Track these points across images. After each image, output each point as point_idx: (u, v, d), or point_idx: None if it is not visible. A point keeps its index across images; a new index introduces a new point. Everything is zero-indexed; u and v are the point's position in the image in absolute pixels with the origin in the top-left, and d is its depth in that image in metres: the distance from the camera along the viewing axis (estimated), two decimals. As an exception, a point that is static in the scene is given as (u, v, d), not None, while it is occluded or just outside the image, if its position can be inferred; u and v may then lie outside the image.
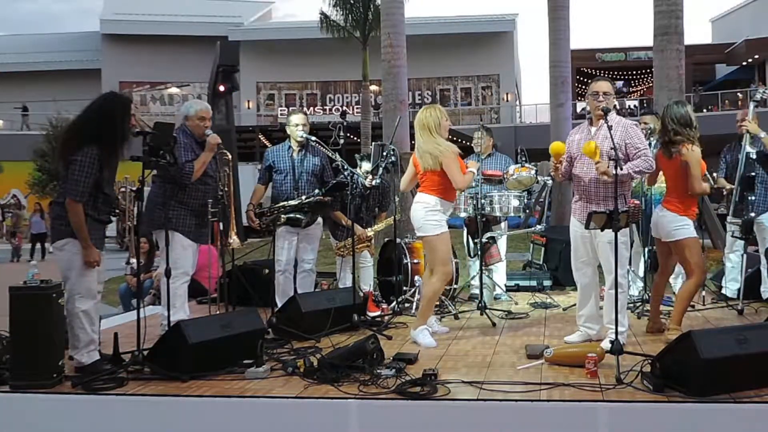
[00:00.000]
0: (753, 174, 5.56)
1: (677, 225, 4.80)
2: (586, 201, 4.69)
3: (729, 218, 5.72)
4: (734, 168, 5.91)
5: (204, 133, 5.04)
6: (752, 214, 5.64)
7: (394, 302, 6.03)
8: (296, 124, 5.82)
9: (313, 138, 6.17)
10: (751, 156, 5.54)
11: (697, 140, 4.81)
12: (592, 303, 4.81)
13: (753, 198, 5.59)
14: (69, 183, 4.14)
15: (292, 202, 5.61)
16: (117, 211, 4.52)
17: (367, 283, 6.48)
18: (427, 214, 4.89)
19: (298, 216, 5.54)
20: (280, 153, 5.88)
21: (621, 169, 4.32)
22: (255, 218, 5.69)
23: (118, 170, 4.40)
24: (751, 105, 5.74)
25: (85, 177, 4.11)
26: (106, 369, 4.12)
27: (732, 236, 5.99)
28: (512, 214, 6.20)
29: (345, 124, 6.37)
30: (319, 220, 5.94)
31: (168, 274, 4.59)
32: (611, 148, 4.31)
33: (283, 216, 5.56)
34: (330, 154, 6.34)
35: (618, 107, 4.80)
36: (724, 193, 5.95)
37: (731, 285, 6.27)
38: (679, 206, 4.83)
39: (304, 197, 5.64)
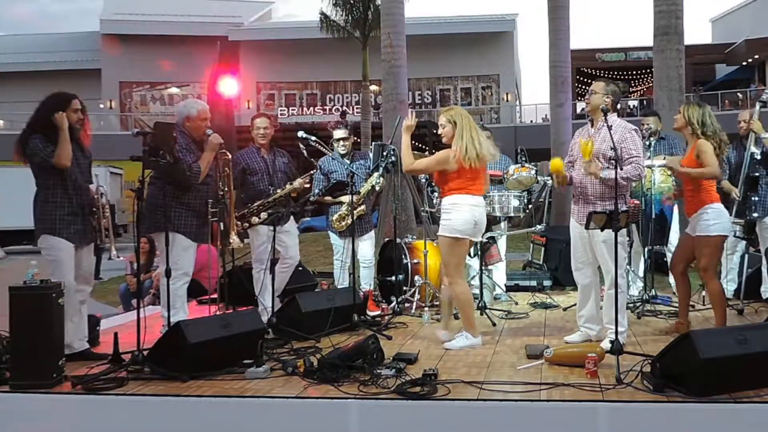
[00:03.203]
0: (757, 174, 5.56)
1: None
2: (584, 202, 4.69)
3: (732, 219, 5.72)
4: (737, 169, 5.91)
5: (204, 132, 5.06)
6: (755, 215, 5.63)
7: (394, 302, 6.03)
8: (258, 128, 5.90)
9: (313, 138, 6.17)
10: (755, 156, 5.54)
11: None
12: (592, 303, 4.81)
13: (756, 198, 5.59)
14: (38, 158, 4.42)
15: (273, 197, 5.68)
16: (95, 209, 4.64)
17: (367, 283, 6.45)
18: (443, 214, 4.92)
19: (279, 210, 5.55)
20: (251, 155, 5.88)
21: (621, 169, 4.33)
22: (236, 221, 5.70)
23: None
24: (757, 105, 5.73)
25: (41, 151, 4.39)
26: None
27: (735, 236, 5.98)
28: (512, 214, 6.20)
29: (345, 124, 6.38)
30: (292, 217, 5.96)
31: (168, 274, 4.60)
32: (611, 148, 4.33)
33: (264, 213, 5.60)
34: (329, 154, 6.34)
35: (617, 108, 4.74)
36: (735, 198, 5.87)
37: (729, 285, 6.27)
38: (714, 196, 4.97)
39: (280, 191, 5.72)
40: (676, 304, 6.01)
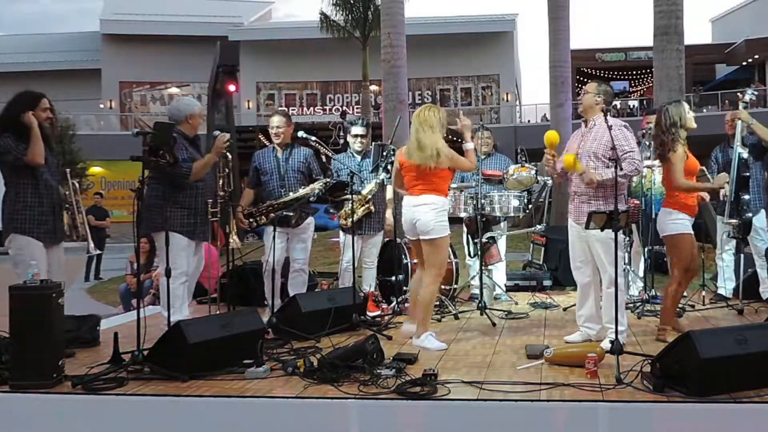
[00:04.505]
0: (747, 174, 5.58)
1: (668, 219, 4.91)
2: (580, 201, 4.73)
3: (724, 219, 5.73)
4: (724, 168, 5.93)
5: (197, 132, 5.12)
6: (749, 214, 5.64)
7: (394, 302, 6.03)
8: (272, 127, 5.87)
9: (313, 138, 6.16)
10: (742, 156, 5.56)
11: (683, 139, 4.87)
12: (591, 302, 4.81)
13: (748, 197, 5.61)
14: (11, 156, 4.44)
15: (283, 199, 5.62)
16: (66, 204, 4.73)
17: (369, 283, 6.43)
18: (438, 215, 4.85)
19: (288, 214, 5.49)
20: (265, 155, 5.89)
21: (621, 169, 4.34)
22: (244, 219, 5.74)
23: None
24: (741, 106, 5.74)
25: (15, 146, 4.43)
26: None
27: (729, 236, 5.98)
28: (512, 214, 6.20)
29: (345, 124, 6.37)
30: (310, 219, 5.91)
31: (168, 274, 4.59)
32: (611, 148, 4.36)
33: (273, 214, 5.57)
34: (330, 154, 6.33)
35: (609, 107, 4.77)
36: (722, 198, 5.87)
37: (727, 284, 6.27)
38: (670, 201, 4.94)
39: (292, 194, 5.65)
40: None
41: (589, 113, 4.72)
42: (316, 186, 5.70)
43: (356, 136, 6.29)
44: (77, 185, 4.93)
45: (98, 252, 4.68)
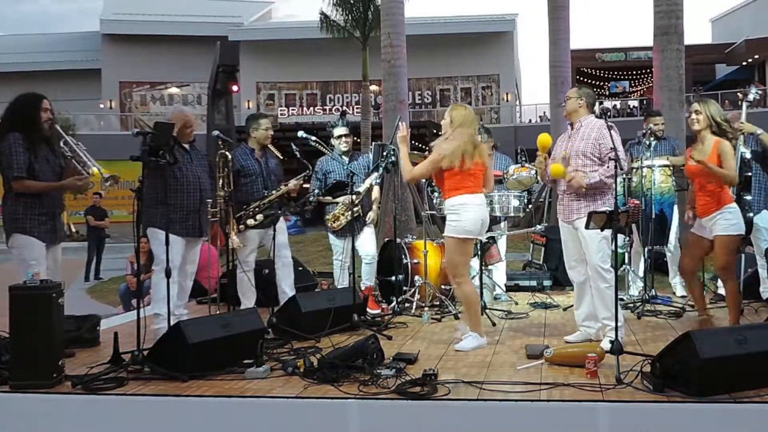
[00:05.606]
0: (750, 174, 5.58)
1: None
2: (568, 200, 4.80)
3: None
4: None
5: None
6: (750, 214, 5.65)
7: (394, 302, 6.02)
8: (267, 128, 5.87)
9: (313, 138, 6.16)
10: (745, 156, 5.56)
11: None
12: (589, 300, 4.82)
13: (749, 198, 5.61)
14: (4, 171, 4.45)
15: (269, 198, 5.66)
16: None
17: (369, 279, 6.32)
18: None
19: (274, 212, 5.56)
20: (244, 156, 5.82)
21: (621, 168, 4.38)
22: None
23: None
24: (744, 105, 5.72)
25: (15, 156, 4.43)
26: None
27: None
28: (512, 214, 6.20)
29: (327, 127, 6.37)
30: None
31: (168, 273, 4.59)
32: (611, 148, 4.43)
33: (260, 215, 5.60)
34: (329, 154, 6.32)
35: (599, 108, 4.88)
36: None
37: (728, 285, 6.27)
38: None
39: (275, 192, 5.69)
40: (677, 304, 6.03)
41: (573, 116, 4.85)
42: (297, 181, 5.75)
43: (340, 137, 6.23)
44: (72, 139, 4.87)
45: (96, 167, 4.55)
